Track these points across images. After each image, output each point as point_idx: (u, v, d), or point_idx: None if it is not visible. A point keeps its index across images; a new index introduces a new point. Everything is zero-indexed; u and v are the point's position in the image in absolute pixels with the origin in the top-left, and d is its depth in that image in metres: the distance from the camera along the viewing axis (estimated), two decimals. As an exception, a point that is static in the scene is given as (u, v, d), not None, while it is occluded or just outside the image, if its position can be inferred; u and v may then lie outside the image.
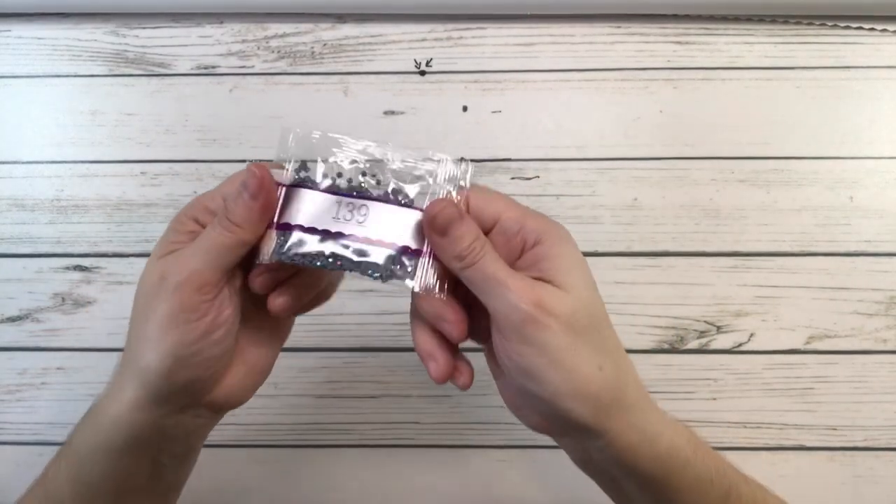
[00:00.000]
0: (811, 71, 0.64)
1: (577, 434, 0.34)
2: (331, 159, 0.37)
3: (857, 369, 0.60)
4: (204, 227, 0.35)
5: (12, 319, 0.62)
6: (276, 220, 0.35)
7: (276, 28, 0.65)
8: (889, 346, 0.60)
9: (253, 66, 0.64)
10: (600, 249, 0.61)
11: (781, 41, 0.64)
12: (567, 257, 0.34)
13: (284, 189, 0.36)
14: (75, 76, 0.65)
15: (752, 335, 0.61)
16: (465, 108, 0.64)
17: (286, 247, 0.35)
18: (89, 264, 0.62)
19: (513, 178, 0.63)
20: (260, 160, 0.62)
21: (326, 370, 0.61)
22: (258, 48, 0.65)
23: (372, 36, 0.65)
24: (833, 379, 0.60)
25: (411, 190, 0.37)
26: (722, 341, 0.61)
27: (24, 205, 0.63)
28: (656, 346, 0.61)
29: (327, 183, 0.36)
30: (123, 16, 0.65)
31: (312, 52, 0.65)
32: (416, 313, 0.36)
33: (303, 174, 0.36)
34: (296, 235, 0.35)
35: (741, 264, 0.61)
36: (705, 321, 0.61)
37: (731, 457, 0.61)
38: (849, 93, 0.63)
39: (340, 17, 0.65)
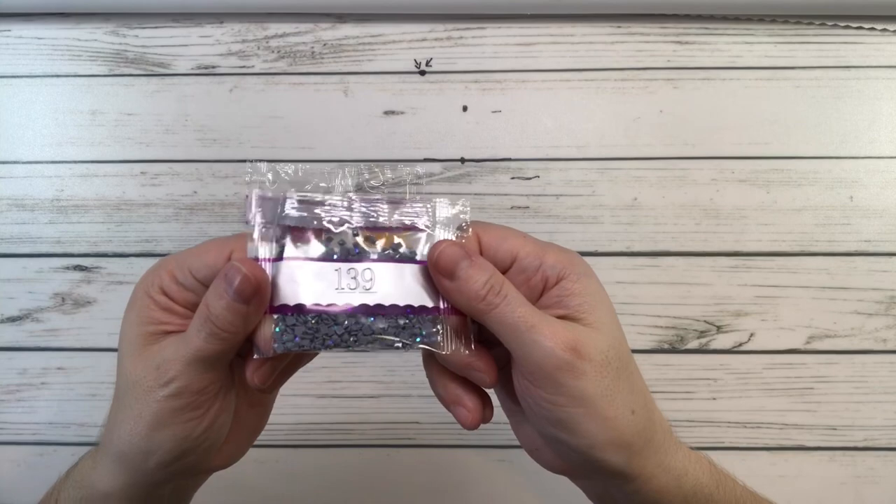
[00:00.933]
0: (811, 71, 0.64)
1: (606, 479, 0.33)
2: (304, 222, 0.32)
3: (857, 369, 0.60)
4: (174, 300, 0.32)
5: (12, 319, 0.62)
6: (269, 302, 0.30)
7: (276, 28, 0.65)
8: (889, 346, 0.60)
9: (253, 66, 0.64)
10: (600, 249, 0.61)
11: (781, 41, 0.64)
12: (593, 293, 0.32)
13: (271, 264, 0.31)
14: (75, 76, 0.65)
15: (752, 335, 0.61)
16: (465, 108, 0.64)
17: (288, 333, 0.30)
18: (89, 264, 0.62)
19: (513, 178, 0.63)
20: (258, 160, 0.62)
21: (326, 370, 0.61)
22: (258, 48, 0.65)
23: (372, 36, 0.65)
24: (833, 379, 0.60)
25: (411, 242, 0.33)
26: (722, 341, 0.61)
27: (24, 205, 0.63)
28: (656, 346, 0.61)
29: (319, 250, 0.32)
30: (123, 16, 0.65)
31: (312, 52, 0.65)
32: (433, 361, 0.34)
33: (287, 243, 0.32)
34: (297, 318, 0.30)
35: (741, 264, 0.61)
36: (705, 321, 0.61)
37: (731, 457, 0.62)
38: (849, 93, 0.63)
39: (340, 17, 0.65)
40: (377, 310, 0.31)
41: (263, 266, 0.31)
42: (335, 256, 0.32)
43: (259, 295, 0.30)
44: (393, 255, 0.32)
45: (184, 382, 0.30)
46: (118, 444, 0.32)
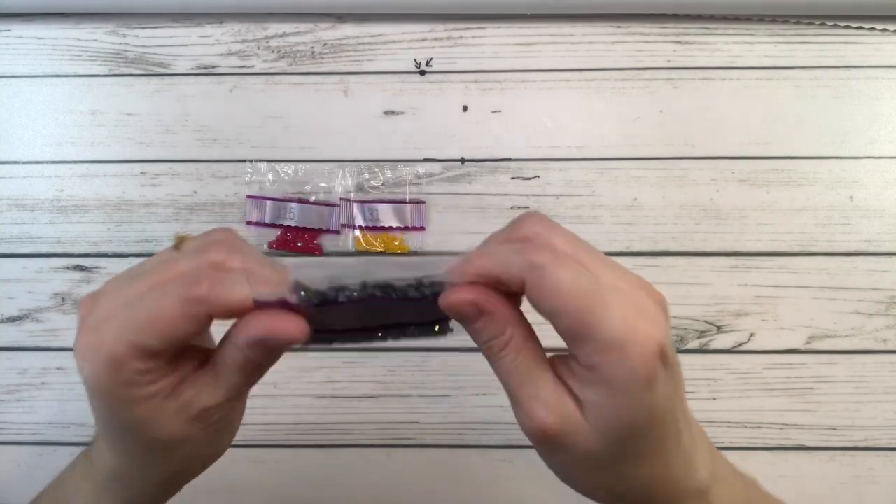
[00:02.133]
0: (811, 71, 0.64)
1: None
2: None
3: (857, 369, 0.60)
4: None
5: (12, 319, 0.62)
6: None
7: (276, 28, 0.65)
8: (889, 346, 0.60)
9: (253, 66, 0.64)
10: (600, 249, 0.61)
11: (781, 41, 0.64)
12: (617, 394, 0.27)
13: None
14: (75, 76, 0.65)
15: (752, 335, 0.61)
16: (465, 108, 0.64)
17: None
18: (89, 264, 0.62)
19: (513, 178, 0.63)
20: (257, 160, 0.62)
21: (326, 370, 0.61)
22: (258, 48, 0.65)
23: (372, 36, 0.65)
24: (833, 379, 0.60)
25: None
26: (722, 341, 0.61)
27: (24, 205, 0.63)
28: (656, 346, 0.61)
29: (340, 297, 0.30)
30: (123, 16, 0.65)
31: (312, 52, 0.65)
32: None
33: (305, 294, 0.29)
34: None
35: (741, 264, 0.61)
36: (705, 321, 0.61)
37: (731, 457, 0.61)
38: (849, 93, 0.63)
39: (340, 17, 0.65)
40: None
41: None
42: (355, 299, 0.30)
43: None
44: (415, 295, 0.31)
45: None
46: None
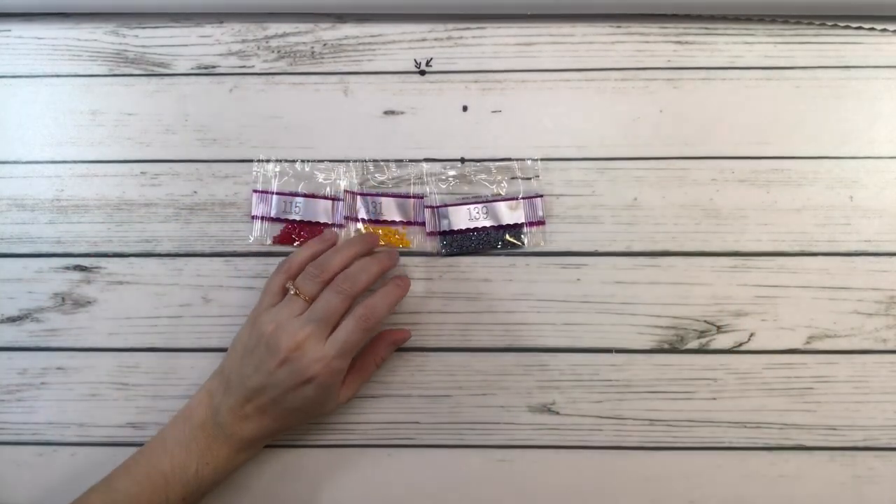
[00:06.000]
0: (811, 71, 0.64)
1: None
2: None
3: (857, 369, 0.60)
4: None
5: (12, 319, 0.62)
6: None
7: (276, 28, 0.65)
8: (889, 346, 0.60)
9: (253, 66, 0.65)
10: (600, 249, 0.61)
11: (781, 41, 0.64)
12: None
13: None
14: (75, 76, 0.65)
15: (752, 335, 0.61)
16: (465, 108, 0.64)
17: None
18: (89, 264, 0.62)
19: (513, 178, 0.63)
20: (261, 160, 0.62)
21: (326, 370, 0.61)
22: (258, 48, 0.65)
23: (372, 36, 0.65)
24: (833, 379, 0.60)
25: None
26: (722, 341, 0.61)
27: (24, 205, 0.63)
28: (656, 346, 0.61)
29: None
30: (123, 16, 0.66)
31: (312, 52, 0.65)
32: None
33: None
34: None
35: (741, 264, 0.61)
36: (705, 321, 0.61)
37: (731, 457, 0.61)
38: (849, 93, 0.63)
39: (340, 17, 0.65)
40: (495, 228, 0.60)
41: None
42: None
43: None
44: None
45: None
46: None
